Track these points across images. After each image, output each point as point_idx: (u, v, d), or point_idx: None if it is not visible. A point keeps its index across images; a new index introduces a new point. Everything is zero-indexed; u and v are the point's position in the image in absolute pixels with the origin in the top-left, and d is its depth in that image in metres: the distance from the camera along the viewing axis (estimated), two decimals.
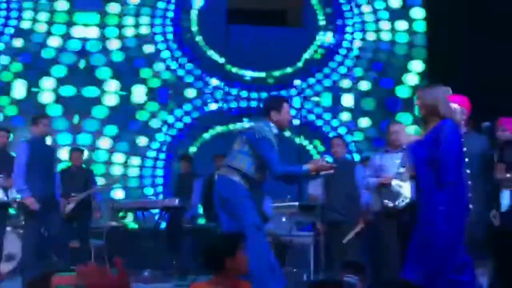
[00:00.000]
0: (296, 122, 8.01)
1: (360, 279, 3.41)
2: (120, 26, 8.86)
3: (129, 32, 8.86)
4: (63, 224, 5.80)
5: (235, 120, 8.83)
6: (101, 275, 1.15)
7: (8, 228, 6.35)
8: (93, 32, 8.77)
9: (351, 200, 5.60)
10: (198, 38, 9.01)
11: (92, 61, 8.69)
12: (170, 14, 9.02)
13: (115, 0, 8.91)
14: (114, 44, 8.77)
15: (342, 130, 8.87)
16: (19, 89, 8.47)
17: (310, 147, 8.84)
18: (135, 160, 8.55)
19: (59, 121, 8.33)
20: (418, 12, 9.28)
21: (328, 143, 7.14)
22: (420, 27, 9.24)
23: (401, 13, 9.27)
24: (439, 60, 8.57)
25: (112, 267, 1.23)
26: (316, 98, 8.94)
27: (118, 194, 8.33)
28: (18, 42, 8.60)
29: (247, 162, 3.82)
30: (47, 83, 8.54)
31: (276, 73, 9.04)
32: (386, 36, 9.20)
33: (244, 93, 8.95)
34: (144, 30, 8.89)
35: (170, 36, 8.94)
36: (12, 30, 8.63)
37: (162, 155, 8.64)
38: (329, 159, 4.16)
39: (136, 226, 7.68)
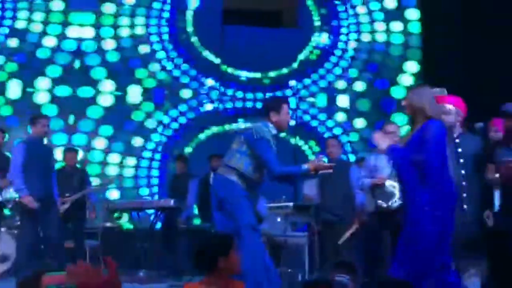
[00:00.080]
0: (291, 122, 8.02)
1: (352, 279, 3.42)
2: (115, 27, 8.84)
3: (125, 32, 8.85)
4: (60, 224, 5.79)
5: (230, 121, 8.84)
6: (91, 274, 1.15)
7: (3, 229, 6.34)
8: (88, 32, 8.75)
9: (346, 200, 5.62)
10: (194, 39, 9.01)
11: (87, 61, 8.67)
12: (166, 15, 9.02)
13: (111, 0, 8.90)
14: (109, 44, 8.76)
15: (337, 131, 8.89)
16: (14, 89, 8.45)
17: (305, 148, 8.86)
18: (131, 161, 8.54)
19: (54, 121, 8.27)
20: (413, 13, 9.31)
21: (324, 143, 7.16)
22: (415, 28, 9.26)
23: (396, 14, 9.30)
24: (434, 61, 8.60)
25: (114, 268, 1.22)
26: (311, 99, 8.95)
27: (113, 194, 8.32)
28: (13, 42, 8.57)
29: (245, 162, 3.83)
30: (42, 83, 8.52)
31: (272, 74, 9.05)
32: (381, 37, 9.22)
33: (239, 94, 8.95)
34: (139, 30, 8.89)
35: (165, 37, 8.94)
36: (7, 30, 8.61)
37: (158, 156, 8.63)
38: (324, 159, 4.17)
39: (131, 226, 7.66)
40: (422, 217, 3.28)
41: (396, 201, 4.72)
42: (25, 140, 5.62)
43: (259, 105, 8.87)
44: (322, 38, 9.23)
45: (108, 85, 8.65)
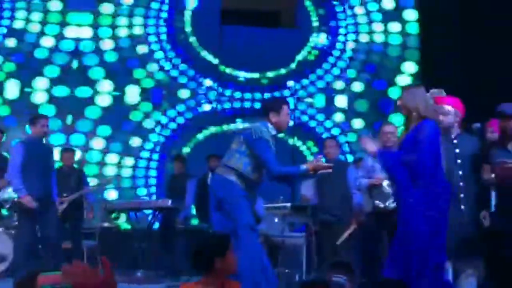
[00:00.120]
0: (290, 123, 8.02)
1: (349, 279, 3.42)
2: (113, 27, 8.84)
3: (123, 32, 8.84)
4: (59, 224, 5.79)
5: (228, 121, 8.84)
6: (87, 274, 1.15)
7: (0, 229, 6.34)
8: (86, 33, 8.75)
9: (343, 201, 5.62)
10: (192, 39, 9.01)
11: (85, 61, 8.66)
12: (164, 15, 9.02)
13: (109, 0, 8.89)
14: (107, 45, 8.76)
15: (335, 131, 8.89)
16: (11, 89, 8.44)
17: (303, 148, 8.86)
18: (129, 161, 8.54)
19: (52, 121, 8.22)
20: (411, 14, 9.32)
21: (322, 144, 7.16)
22: (413, 29, 9.27)
23: (394, 15, 9.31)
24: (432, 62, 8.61)
25: (109, 268, 1.23)
26: (309, 99, 8.95)
27: (111, 194, 8.32)
28: (11, 42, 8.57)
29: (244, 162, 3.83)
30: (40, 83, 8.51)
31: (270, 74, 9.05)
32: (379, 38, 9.23)
33: (237, 94, 8.95)
34: (137, 30, 8.88)
35: (163, 37, 8.93)
36: (4, 30, 8.60)
37: (156, 156, 8.63)
38: (323, 159, 4.18)
39: (129, 226, 7.66)
40: (415, 217, 3.29)
41: (393, 202, 4.72)
42: (24, 140, 5.62)
43: (257, 105, 8.87)
44: (320, 39, 9.23)
45: (106, 85, 8.64)
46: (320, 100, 9.02)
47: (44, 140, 5.75)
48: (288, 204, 5.13)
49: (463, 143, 3.91)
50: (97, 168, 8.38)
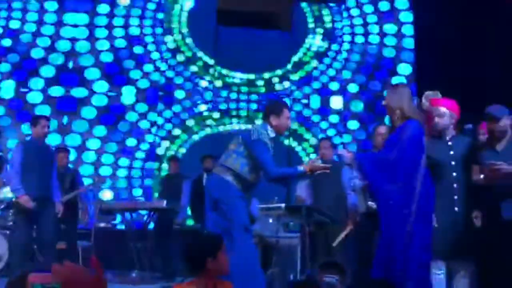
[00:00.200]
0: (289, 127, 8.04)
1: (340, 279, 3.44)
2: (109, 27, 8.84)
3: (119, 33, 8.85)
4: (55, 225, 5.78)
5: (224, 122, 8.85)
6: (76, 274, 1.16)
7: None
8: (82, 33, 8.75)
9: (338, 201, 5.63)
10: (188, 40, 9.02)
11: (81, 62, 8.67)
12: (160, 16, 9.03)
13: (105, 1, 8.90)
14: (103, 45, 8.76)
15: (331, 132, 8.91)
16: (7, 89, 8.43)
17: (299, 149, 8.88)
18: (124, 161, 8.54)
19: None
20: (406, 16, 9.35)
21: (317, 145, 7.18)
22: (409, 30, 9.31)
23: (390, 16, 9.34)
24: (427, 64, 8.64)
25: (100, 267, 1.24)
26: (305, 100, 8.97)
27: (107, 195, 8.32)
28: (6, 42, 8.56)
29: (241, 162, 3.85)
30: (35, 83, 8.51)
31: (266, 75, 9.07)
32: (374, 39, 9.26)
33: (233, 95, 8.97)
34: (133, 31, 8.89)
35: (159, 38, 8.94)
36: (0, 30, 8.60)
37: (151, 156, 8.63)
38: (319, 160, 4.19)
39: (124, 227, 7.66)
40: (396, 218, 3.31)
41: None
42: (24, 141, 5.64)
43: (253, 106, 8.90)
44: (316, 40, 9.25)
45: (101, 86, 8.64)
46: (315, 101, 9.04)
47: (44, 141, 5.75)
48: (283, 205, 5.14)
49: (458, 145, 3.93)
50: (92, 169, 8.38)
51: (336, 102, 9.06)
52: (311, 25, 9.30)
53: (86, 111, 8.54)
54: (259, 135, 3.83)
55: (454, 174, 3.84)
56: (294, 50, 9.16)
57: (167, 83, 8.83)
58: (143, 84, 8.75)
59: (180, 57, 8.93)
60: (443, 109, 3.94)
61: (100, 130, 8.53)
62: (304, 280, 4.53)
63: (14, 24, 8.64)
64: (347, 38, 9.25)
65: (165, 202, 6.35)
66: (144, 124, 8.64)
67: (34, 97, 8.46)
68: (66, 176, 6.67)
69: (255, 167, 3.86)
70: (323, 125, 8.99)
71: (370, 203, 4.86)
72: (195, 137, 8.78)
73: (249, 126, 8.59)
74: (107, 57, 8.73)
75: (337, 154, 3.74)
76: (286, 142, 8.71)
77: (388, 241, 3.33)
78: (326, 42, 9.24)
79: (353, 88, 9.10)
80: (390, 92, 3.65)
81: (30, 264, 5.58)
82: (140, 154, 8.57)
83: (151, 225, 6.95)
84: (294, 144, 8.81)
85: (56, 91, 8.55)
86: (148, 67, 8.79)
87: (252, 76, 9.04)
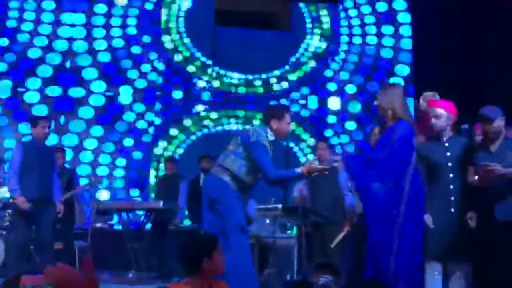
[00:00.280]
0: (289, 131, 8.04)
1: (335, 280, 3.44)
2: (107, 27, 8.83)
3: (116, 33, 8.84)
4: (53, 226, 5.78)
5: (222, 122, 8.85)
6: (69, 275, 1.16)
7: None
8: (79, 33, 8.74)
9: (335, 202, 5.63)
10: (186, 40, 9.01)
11: (78, 62, 8.65)
12: (158, 15, 9.02)
13: (102, 0, 8.89)
14: (100, 45, 8.75)
15: (328, 133, 8.92)
16: (4, 88, 8.41)
17: (296, 149, 8.88)
18: (121, 161, 8.53)
19: None
20: (404, 17, 9.36)
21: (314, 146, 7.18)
22: (406, 31, 9.32)
23: (388, 17, 9.35)
24: (425, 65, 8.65)
25: (96, 268, 1.23)
26: (302, 101, 8.98)
27: (103, 195, 8.30)
28: (3, 41, 8.54)
29: (239, 164, 3.84)
30: (32, 83, 8.49)
31: (264, 76, 9.07)
32: (372, 40, 9.26)
33: (231, 95, 8.96)
34: (131, 31, 8.88)
35: (157, 38, 8.93)
36: None
37: (148, 156, 8.62)
38: (316, 162, 4.20)
39: (120, 227, 7.65)
40: (385, 218, 3.31)
41: None
42: (24, 141, 5.64)
43: (250, 106, 8.90)
44: (314, 41, 9.26)
45: (99, 86, 8.63)
46: (313, 102, 9.05)
47: (45, 142, 5.73)
48: (279, 206, 5.14)
49: (454, 146, 3.93)
50: (89, 169, 8.37)
51: (334, 103, 9.07)
52: (309, 26, 9.30)
53: (83, 111, 8.53)
54: (258, 137, 3.83)
55: (451, 175, 3.85)
56: (292, 50, 9.16)
57: (165, 83, 8.82)
58: (141, 84, 8.74)
59: (178, 57, 8.92)
60: (440, 111, 3.95)
61: (97, 130, 8.52)
62: (298, 281, 4.53)
63: (11, 23, 8.62)
64: (345, 39, 9.25)
65: (161, 202, 6.34)
66: (141, 124, 8.63)
67: (31, 97, 8.44)
68: (63, 176, 6.65)
69: (253, 169, 3.86)
70: (321, 125, 8.99)
71: None
72: (193, 138, 8.77)
73: (247, 127, 8.61)
74: (104, 57, 8.72)
75: (330, 159, 3.74)
76: (283, 142, 8.71)
77: (376, 242, 3.33)
78: (324, 43, 9.24)
79: (351, 89, 9.11)
80: (381, 93, 3.65)
81: (27, 264, 5.57)
82: (137, 155, 8.56)
83: (148, 226, 6.95)
84: (291, 144, 8.81)
85: (53, 91, 8.53)
86: (146, 67, 8.78)
87: (250, 77, 9.04)
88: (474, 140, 4.08)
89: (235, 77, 9.03)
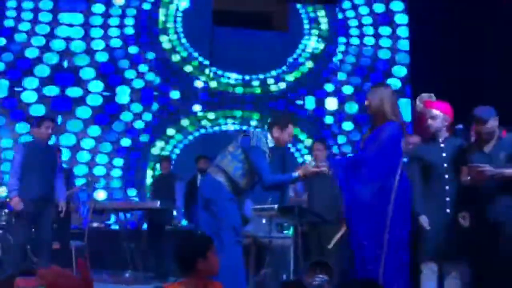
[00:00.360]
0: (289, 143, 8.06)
1: (328, 280, 3.45)
2: (104, 27, 8.83)
3: (114, 32, 8.84)
4: (52, 226, 5.78)
5: (219, 122, 8.86)
6: (62, 277, 1.16)
7: None
8: (77, 32, 8.73)
9: (333, 202, 5.63)
10: (183, 40, 9.02)
11: (76, 61, 8.65)
12: (155, 15, 9.02)
13: (100, 0, 8.89)
14: (98, 45, 8.75)
15: (325, 134, 8.93)
16: (1, 88, 8.41)
17: (293, 150, 8.89)
18: (118, 161, 8.53)
19: None
20: (401, 18, 9.38)
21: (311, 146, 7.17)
22: (404, 32, 9.33)
23: (385, 18, 9.37)
24: (422, 65, 8.67)
25: (93, 268, 1.24)
26: (299, 102, 8.99)
27: (100, 195, 8.30)
28: (0, 41, 8.53)
29: (235, 166, 3.85)
30: (30, 82, 8.49)
31: (261, 76, 9.08)
32: (370, 41, 9.28)
33: (228, 96, 8.97)
34: (128, 31, 8.88)
35: (155, 38, 8.94)
36: None
37: (146, 156, 8.63)
38: (313, 163, 4.19)
39: (117, 227, 7.66)
40: (371, 218, 3.33)
41: None
42: (25, 141, 5.63)
43: (247, 107, 8.91)
44: (311, 41, 9.27)
45: (96, 86, 8.63)
46: (310, 102, 9.06)
47: (48, 142, 5.72)
48: (275, 206, 5.15)
49: (450, 147, 3.94)
50: (86, 168, 8.37)
51: (331, 104, 9.08)
52: (306, 27, 9.32)
53: (80, 111, 8.53)
54: (258, 142, 3.83)
55: (446, 176, 3.86)
56: (289, 51, 9.17)
57: (162, 83, 8.82)
58: (138, 84, 8.74)
59: (176, 57, 8.92)
60: (436, 112, 3.96)
61: (95, 130, 8.52)
62: (293, 280, 4.54)
63: (9, 23, 8.61)
64: (342, 39, 9.27)
65: (158, 202, 6.34)
66: (138, 124, 8.63)
67: (29, 97, 8.44)
68: None
69: (249, 172, 3.87)
70: (318, 126, 9.00)
71: None
72: (190, 138, 8.78)
73: (244, 127, 8.62)
74: (102, 57, 8.72)
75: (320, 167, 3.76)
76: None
77: (363, 242, 3.34)
78: (321, 44, 9.26)
79: (348, 89, 9.12)
80: (371, 92, 3.65)
81: (23, 264, 5.56)
82: (134, 155, 8.55)
83: (145, 225, 6.95)
84: (289, 145, 8.82)
85: (51, 90, 8.52)
86: (143, 67, 8.78)
87: (247, 77, 9.05)
88: (470, 140, 4.08)
89: (233, 77, 9.04)
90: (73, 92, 8.57)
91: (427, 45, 8.61)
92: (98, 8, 8.86)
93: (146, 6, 9.01)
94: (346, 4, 9.36)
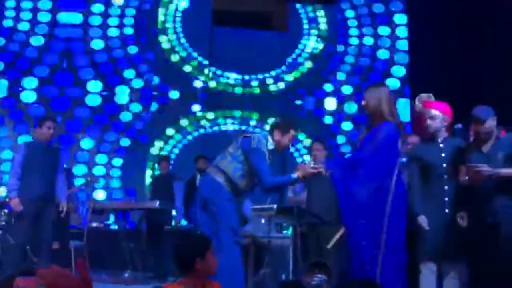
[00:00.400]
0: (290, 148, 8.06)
1: (327, 280, 3.46)
2: (104, 27, 8.83)
3: (113, 32, 8.84)
4: (52, 226, 5.78)
5: (218, 122, 8.86)
6: (62, 277, 1.17)
7: None
8: (76, 32, 8.73)
9: (331, 202, 5.63)
10: (183, 40, 9.02)
11: (75, 61, 8.65)
12: (155, 15, 9.02)
13: (99, 0, 8.89)
14: (97, 45, 8.75)
15: (324, 133, 8.93)
16: (0, 88, 8.41)
17: (292, 150, 8.89)
18: (118, 161, 8.53)
19: None
20: (400, 18, 9.39)
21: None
22: (403, 32, 9.34)
23: (384, 18, 9.37)
24: (421, 66, 8.67)
25: (92, 268, 1.25)
26: (299, 102, 8.99)
27: (100, 194, 8.30)
28: (0, 41, 8.53)
29: (234, 167, 3.86)
30: (29, 82, 8.48)
31: (260, 76, 9.08)
32: (369, 41, 9.28)
33: (228, 95, 8.97)
34: (128, 30, 8.88)
35: (154, 38, 8.94)
36: None
37: (145, 156, 8.63)
38: (311, 163, 4.20)
39: (116, 227, 7.66)
40: (368, 218, 3.33)
41: None
42: (26, 142, 5.64)
43: (247, 107, 8.91)
44: (311, 41, 9.27)
45: (96, 86, 8.63)
46: (309, 103, 9.06)
47: (49, 142, 5.72)
48: (274, 206, 5.15)
49: (449, 147, 3.95)
50: (86, 168, 8.37)
51: (330, 104, 9.09)
52: (305, 27, 9.32)
53: (80, 111, 8.52)
54: (258, 144, 3.84)
55: (445, 176, 3.87)
56: (288, 51, 9.17)
57: (161, 83, 8.82)
58: (137, 84, 8.74)
59: (175, 57, 8.93)
60: (435, 112, 3.96)
61: (94, 130, 8.51)
62: (292, 280, 4.54)
63: (8, 23, 8.61)
64: (341, 39, 9.27)
65: (157, 202, 6.34)
66: (138, 124, 8.63)
67: (28, 96, 8.44)
68: None
69: (249, 174, 3.88)
70: (317, 126, 9.01)
71: None
72: (189, 138, 8.78)
73: (243, 127, 8.63)
74: (101, 57, 8.72)
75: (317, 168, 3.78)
76: None
77: (361, 243, 3.34)
78: (320, 44, 9.26)
79: (347, 89, 9.13)
80: (368, 92, 3.64)
81: (23, 264, 5.56)
82: (133, 155, 8.55)
83: (144, 225, 6.95)
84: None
85: (50, 90, 8.52)
86: (142, 67, 8.78)
87: (246, 77, 9.05)
88: (469, 140, 4.09)
89: (232, 77, 9.04)
90: (72, 92, 8.56)
91: (426, 45, 8.61)
92: (97, 8, 8.86)
93: (146, 6, 9.01)
94: (345, 4, 9.36)
